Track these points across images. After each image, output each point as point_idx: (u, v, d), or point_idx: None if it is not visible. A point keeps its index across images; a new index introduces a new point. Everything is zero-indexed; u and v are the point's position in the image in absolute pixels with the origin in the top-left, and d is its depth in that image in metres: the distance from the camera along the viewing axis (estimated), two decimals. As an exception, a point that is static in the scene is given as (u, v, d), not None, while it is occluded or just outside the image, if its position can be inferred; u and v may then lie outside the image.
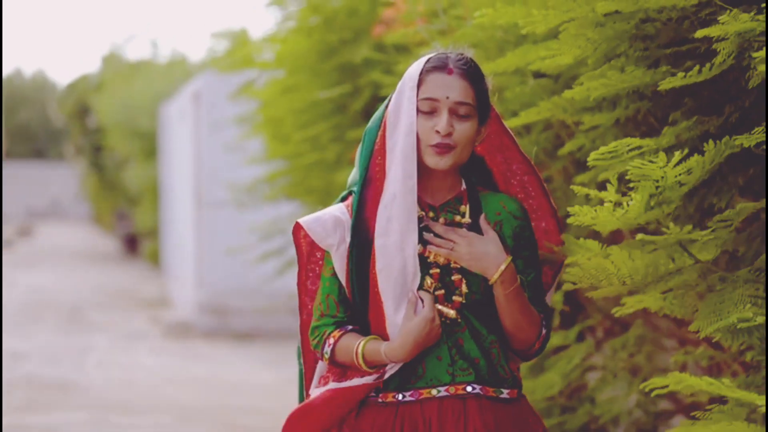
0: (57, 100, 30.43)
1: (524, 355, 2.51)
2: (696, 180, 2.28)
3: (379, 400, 2.43)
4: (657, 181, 2.23)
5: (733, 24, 2.15)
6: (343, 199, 2.51)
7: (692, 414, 2.35)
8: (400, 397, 2.41)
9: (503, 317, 2.43)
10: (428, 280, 2.41)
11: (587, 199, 2.94)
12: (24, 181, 37.54)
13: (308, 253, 2.51)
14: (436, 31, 3.71)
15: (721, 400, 2.31)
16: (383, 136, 2.42)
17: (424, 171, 2.42)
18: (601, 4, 2.39)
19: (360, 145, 2.49)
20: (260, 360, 9.42)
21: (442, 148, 2.37)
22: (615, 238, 3.07)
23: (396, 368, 2.40)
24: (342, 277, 2.45)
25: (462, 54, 2.44)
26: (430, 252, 2.42)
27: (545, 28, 2.58)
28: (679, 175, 2.23)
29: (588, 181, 2.90)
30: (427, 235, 2.42)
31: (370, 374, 2.42)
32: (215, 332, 10.86)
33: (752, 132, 2.23)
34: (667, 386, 2.36)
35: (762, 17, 2.15)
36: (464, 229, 2.43)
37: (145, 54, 26.55)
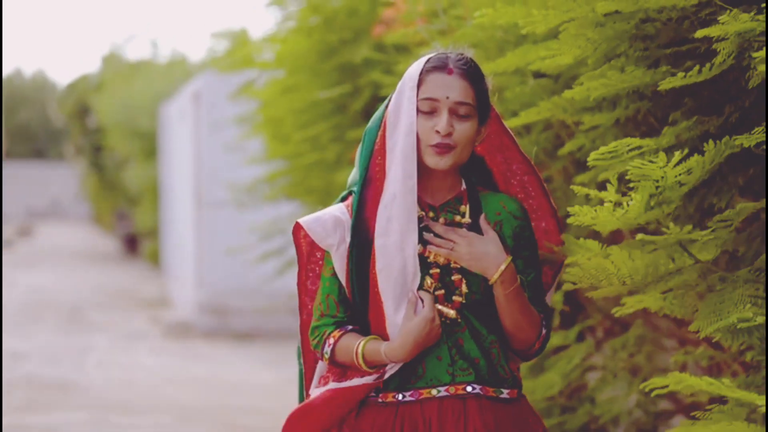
0: (57, 100, 30.44)
1: (524, 355, 2.50)
2: (696, 180, 2.28)
3: (379, 400, 2.43)
4: (657, 181, 2.22)
5: (733, 24, 2.15)
6: (343, 199, 2.51)
7: (692, 414, 2.35)
8: (400, 397, 2.41)
9: (503, 317, 2.43)
10: (428, 280, 2.41)
11: (587, 199, 2.94)
12: (24, 181, 37.54)
13: (308, 253, 2.51)
14: (436, 31, 3.71)
15: (721, 400, 2.31)
16: (383, 136, 2.42)
17: (424, 171, 2.42)
18: (601, 4, 2.39)
19: (360, 145, 2.49)
20: (260, 360, 9.42)
21: (442, 148, 2.37)
22: (615, 238, 3.07)
23: (396, 368, 2.40)
24: (342, 277, 2.45)
25: (462, 54, 2.44)
26: (430, 252, 2.42)
27: (545, 28, 2.58)
28: (679, 175, 2.23)
29: (588, 181, 2.90)
30: (427, 235, 2.42)
31: (370, 374, 2.42)
32: (215, 332, 10.87)
33: (752, 132, 2.23)
34: (667, 386, 2.37)
35: (762, 17, 2.15)
36: (464, 229, 2.43)
37: (145, 54, 26.56)
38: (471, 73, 2.41)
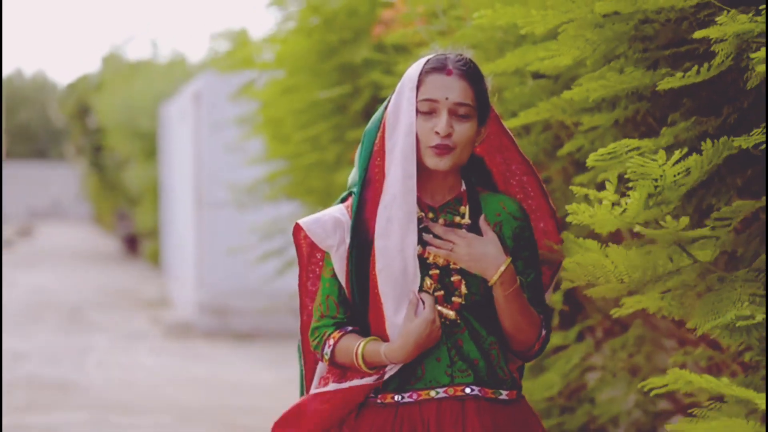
0: (57, 100, 30.46)
1: (524, 356, 2.50)
2: (694, 181, 2.28)
3: (378, 401, 2.43)
4: (656, 180, 2.23)
5: (732, 25, 2.15)
6: (343, 200, 2.51)
7: (690, 411, 2.35)
8: (399, 398, 2.41)
9: (503, 318, 2.42)
10: (427, 281, 2.41)
11: (586, 199, 2.94)
12: (24, 181, 37.55)
13: (309, 254, 2.51)
14: (435, 31, 3.71)
15: (721, 400, 2.32)
16: (382, 137, 2.42)
17: (423, 172, 2.41)
18: (600, 4, 2.39)
19: (359, 146, 2.49)
20: (260, 360, 9.43)
21: (442, 149, 2.37)
22: (614, 240, 3.08)
23: (396, 369, 2.40)
24: (342, 278, 2.45)
25: (461, 55, 2.44)
26: (429, 253, 2.42)
27: (544, 29, 2.59)
28: (678, 174, 2.23)
29: (587, 182, 2.90)
30: (427, 236, 2.42)
31: (369, 375, 2.42)
32: (215, 332, 10.87)
33: (751, 134, 2.23)
34: (665, 386, 2.37)
35: (760, 18, 2.15)
36: (463, 230, 2.42)
37: (145, 54, 26.57)
38: (470, 73, 2.41)
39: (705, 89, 2.50)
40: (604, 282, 2.48)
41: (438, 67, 2.40)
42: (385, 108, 2.45)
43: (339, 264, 2.45)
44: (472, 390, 2.39)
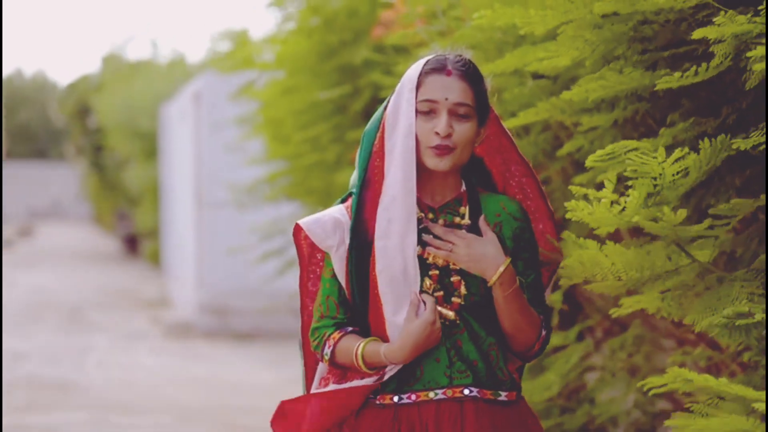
0: (57, 100, 30.47)
1: (524, 357, 2.49)
2: (693, 181, 2.28)
3: (377, 402, 2.42)
4: (655, 178, 2.23)
5: (730, 26, 2.15)
6: (344, 201, 2.51)
7: (688, 406, 2.35)
8: (398, 399, 2.40)
9: (502, 319, 2.42)
10: (427, 282, 2.41)
11: (586, 199, 2.94)
12: (25, 181, 37.55)
13: (309, 254, 2.51)
14: (435, 32, 3.72)
15: (720, 399, 2.32)
16: (381, 138, 2.42)
17: (423, 172, 2.41)
18: (599, 5, 2.39)
19: (359, 147, 2.50)
20: (260, 360, 9.43)
21: (442, 150, 2.37)
22: (613, 241, 3.08)
23: (396, 370, 2.40)
24: (342, 278, 2.45)
25: (461, 55, 2.44)
26: (428, 253, 2.42)
27: (543, 30, 2.59)
28: (677, 173, 2.23)
29: (586, 182, 2.90)
30: (426, 237, 2.42)
31: (370, 376, 2.41)
32: (215, 332, 10.87)
33: (749, 135, 2.23)
34: (664, 385, 2.37)
35: (759, 19, 2.15)
36: (463, 231, 2.42)
37: (145, 54, 26.57)
38: (470, 74, 2.41)
39: (704, 90, 2.50)
40: (601, 279, 2.48)
41: (437, 68, 2.40)
42: (384, 109, 2.45)
43: (339, 264, 2.45)
44: (471, 391, 2.39)
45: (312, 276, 2.53)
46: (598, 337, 3.91)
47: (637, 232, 2.69)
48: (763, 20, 2.15)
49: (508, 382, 2.44)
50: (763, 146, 2.24)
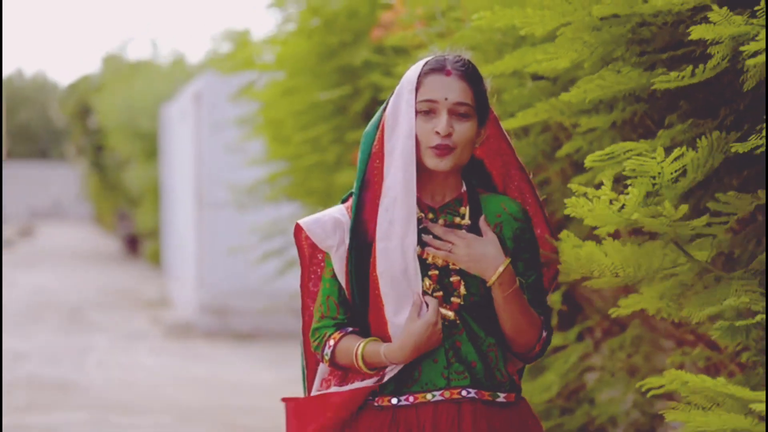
0: (58, 100, 30.47)
1: (525, 358, 2.49)
2: (691, 180, 2.29)
3: (376, 404, 2.42)
4: (654, 177, 2.23)
5: (727, 27, 2.16)
6: (345, 201, 2.51)
7: (688, 402, 2.35)
8: (396, 401, 2.40)
9: (502, 319, 2.42)
10: (426, 282, 2.40)
11: (585, 198, 2.95)
12: (25, 182, 37.57)
13: (310, 255, 2.51)
14: (434, 33, 3.72)
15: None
16: (381, 139, 2.42)
17: (424, 173, 2.41)
18: (598, 7, 2.40)
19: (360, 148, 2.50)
20: (261, 360, 9.44)
21: (442, 150, 2.38)
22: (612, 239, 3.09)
23: (396, 370, 2.39)
24: (341, 278, 2.45)
25: (460, 56, 2.44)
26: (428, 254, 2.42)
27: (543, 31, 2.59)
28: (675, 172, 2.23)
29: (585, 183, 2.91)
30: (426, 237, 2.42)
31: (370, 377, 2.41)
32: (216, 332, 10.88)
33: (748, 139, 2.24)
34: (663, 386, 2.38)
35: (756, 21, 2.16)
36: (463, 231, 2.42)
37: (145, 55, 26.57)
38: (469, 74, 2.41)
39: (702, 91, 2.51)
40: (599, 275, 2.49)
41: (437, 68, 2.41)
42: (384, 110, 2.46)
43: (339, 264, 2.45)
44: (469, 392, 2.39)
45: (313, 276, 2.53)
46: (597, 338, 3.91)
47: (635, 231, 2.69)
48: (760, 22, 2.16)
49: (507, 383, 2.44)
50: (762, 148, 2.25)
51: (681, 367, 3.31)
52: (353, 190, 2.47)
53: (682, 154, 2.23)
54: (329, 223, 2.46)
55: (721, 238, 2.46)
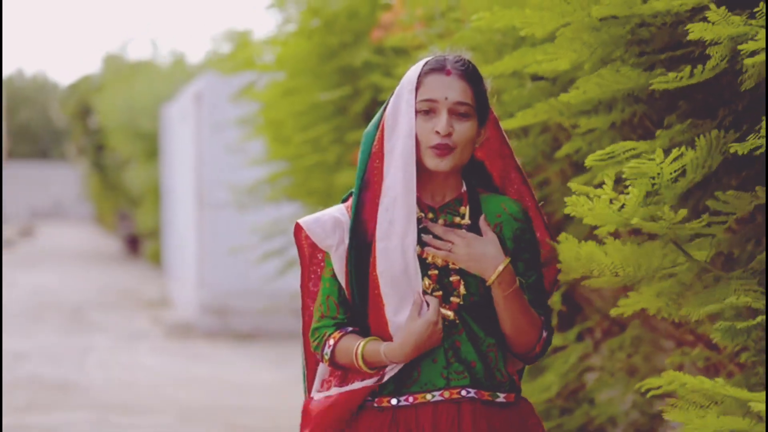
0: (58, 100, 30.49)
1: (525, 358, 2.49)
2: (691, 180, 2.30)
3: (375, 404, 2.42)
4: (653, 178, 2.24)
5: (726, 28, 2.16)
6: (345, 200, 2.52)
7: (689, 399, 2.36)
8: (395, 401, 2.40)
9: (502, 319, 2.42)
10: (426, 281, 2.40)
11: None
12: (26, 182, 37.58)
13: (310, 255, 2.51)
14: (434, 34, 3.73)
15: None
16: (381, 139, 2.42)
17: (424, 173, 2.42)
18: (597, 8, 2.40)
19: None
20: (261, 360, 9.44)
21: (442, 149, 2.38)
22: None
23: (396, 370, 2.39)
24: (341, 278, 2.45)
25: (460, 56, 2.45)
26: (428, 253, 2.42)
27: (542, 32, 2.60)
28: (675, 172, 2.24)
29: (585, 183, 2.91)
30: (426, 236, 2.42)
31: (371, 376, 2.41)
32: (216, 333, 10.88)
33: (746, 139, 2.24)
34: (662, 387, 2.38)
35: (754, 21, 2.16)
36: (463, 230, 2.42)
37: (145, 55, 26.57)
38: (469, 73, 2.41)
39: (700, 92, 2.51)
40: (598, 275, 2.49)
41: (437, 68, 2.41)
42: (384, 110, 2.46)
43: (338, 264, 2.45)
44: (468, 392, 2.39)
45: (313, 276, 2.53)
46: (597, 338, 3.92)
47: (635, 230, 2.70)
48: (759, 22, 2.16)
49: (507, 383, 2.44)
50: (761, 149, 2.25)
51: (680, 367, 3.32)
52: (353, 190, 2.47)
53: (681, 155, 2.23)
54: (329, 223, 2.46)
55: (721, 238, 2.47)
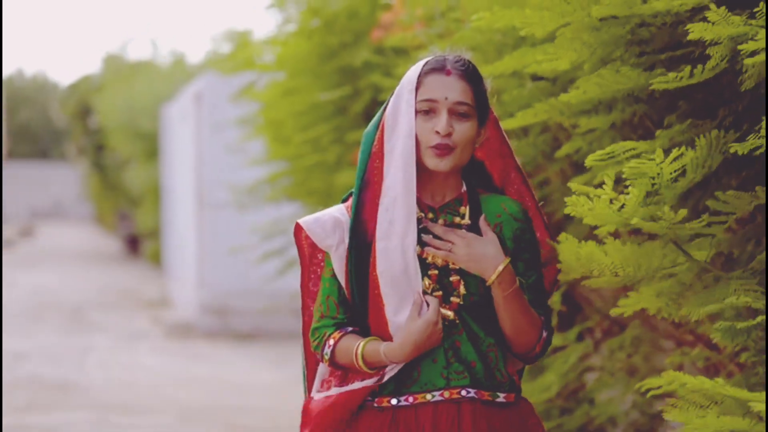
0: (59, 100, 30.50)
1: (525, 358, 2.49)
2: (690, 180, 2.30)
3: (375, 405, 2.42)
4: (653, 178, 2.24)
5: (726, 28, 2.17)
6: (345, 200, 2.52)
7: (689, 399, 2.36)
8: (395, 402, 2.40)
9: (502, 319, 2.42)
10: (426, 281, 2.40)
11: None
12: (26, 182, 37.59)
13: (310, 255, 2.51)
14: (434, 34, 3.73)
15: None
16: (381, 139, 2.42)
17: (424, 173, 2.42)
18: (597, 8, 2.40)
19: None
20: (261, 360, 9.44)
21: (442, 149, 2.38)
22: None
23: (395, 370, 2.40)
24: (341, 278, 2.45)
25: (460, 56, 2.45)
26: (428, 253, 2.43)
27: (542, 32, 2.60)
28: (674, 172, 2.24)
29: (585, 183, 2.92)
30: (426, 236, 2.42)
31: (371, 376, 2.41)
32: (216, 332, 10.88)
33: (746, 139, 2.25)
34: (662, 387, 2.38)
35: (754, 21, 2.17)
36: (463, 230, 2.43)
37: (145, 55, 26.58)
38: (469, 73, 2.41)
39: (700, 92, 2.52)
40: (598, 275, 2.49)
41: (437, 68, 2.41)
42: (384, 110, 2.46)
43: (338, 264, 2.45)
44: (468, 392, 2.39)
45: (313, 276, 2.53)
46: (597, 338, 3.92)
47: (635, 230, 2.70)
48: (759, 22, 2.16)
49: (507, 383, 2.44)
50: (761, 149, 2.25)
51: (680, 367, 3.32)
52: (353, 190, 2.47)
53: (681, 155, 2.23)
54: (329, 223, 2.46)
55: (721, 238, 2.47)
